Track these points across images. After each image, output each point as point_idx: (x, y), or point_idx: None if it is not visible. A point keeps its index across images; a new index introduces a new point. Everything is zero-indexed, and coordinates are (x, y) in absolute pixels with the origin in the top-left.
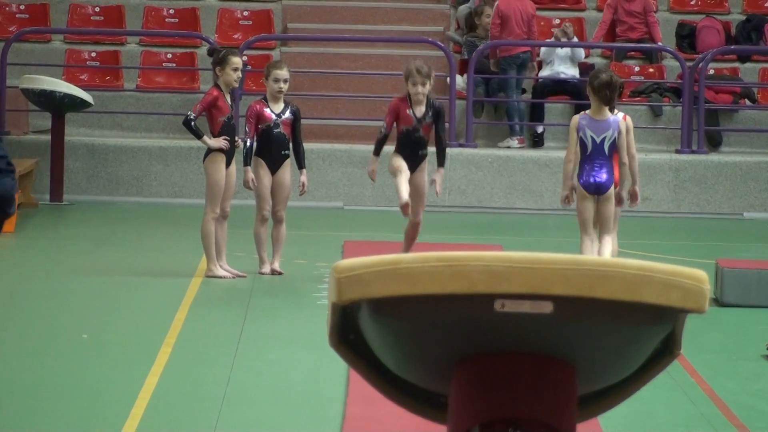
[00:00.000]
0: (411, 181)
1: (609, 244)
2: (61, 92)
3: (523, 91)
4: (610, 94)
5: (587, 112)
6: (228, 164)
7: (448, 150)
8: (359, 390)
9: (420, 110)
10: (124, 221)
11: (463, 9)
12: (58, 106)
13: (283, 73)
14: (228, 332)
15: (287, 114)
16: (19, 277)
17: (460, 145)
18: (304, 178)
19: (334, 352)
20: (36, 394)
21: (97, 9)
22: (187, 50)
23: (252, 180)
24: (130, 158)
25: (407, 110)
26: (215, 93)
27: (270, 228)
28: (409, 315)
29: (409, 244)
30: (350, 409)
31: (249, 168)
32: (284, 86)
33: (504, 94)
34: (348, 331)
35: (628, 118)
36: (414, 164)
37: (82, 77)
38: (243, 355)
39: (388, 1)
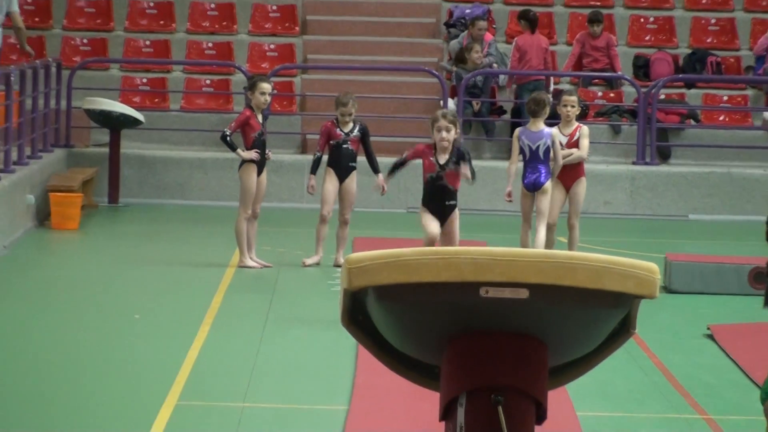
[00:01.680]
0: (442, 231)
1: (543, 230)
2: (117, 112)
3: (504, 111)
4: (535, 108)
5: (527, 126)
6: (259, 173)
7: None
8: (366, 363)
9: (443, 158)
10: (169, 220)
11: (454, 44)
12: (115, 124)
13: (348, 109)
14: (257, 313)
15: (356, 132)
16: (82, 267)
17: None
18: (380, 180)
19: (346, 330)
20: (95, 366)
21: (147, 42)
22: (223, 77)
23: (312, 186)
24: (175, 167)
25: (431, 157)
26: (248, 113)
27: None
28: (408, 299)
29: None
30: (359, 378)
31: (313, 176)
32: (349, 118)
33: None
34: (357, 313)
35: (585, 129)
36: (443, 216)
37: (135, 99)
38: (269, 333)
39: (392, 36)
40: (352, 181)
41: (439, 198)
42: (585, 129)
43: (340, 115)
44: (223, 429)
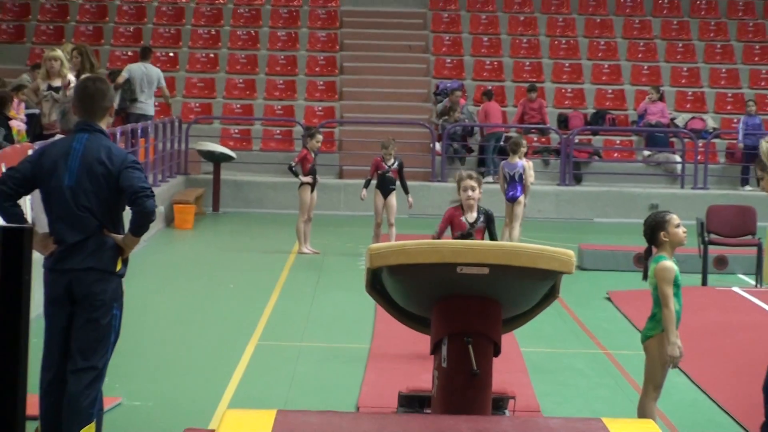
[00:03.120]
0: None
1: (518, 227)
2: (218, 151)
3: (472, 150)
4: (514, 147)
5: (507, 159)
6: (312, 190)
7: (437, 184)
8: (382, 316)
9: (472, 216)
10: (252, 222)
11: (440, 106)
12: (216, 159)
13: (389, 150)
14: (309, 283)
15: (395, 165)
16: (195, 253)
17: (439, 181)
18: (411, 199)
19: (368, 295)
20: (203, 318)
21: (238, 106)
22: (287, 129)
23: (363, 195)
24: (256, 188)
25: (460, 217)
26: (305, 152)
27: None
28: (409, 274)
29: None
30: (377, 327)
31: (364, 190)
32: (389, 156)
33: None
34: (376, 284)
35: (530, 162)
36: None
37: (230, 143)
38: (318, 295)
39: (398, 101)
40: (393, 197)
41: None
42: (530, 162)
43: (384, 154)
44: (288, 361)
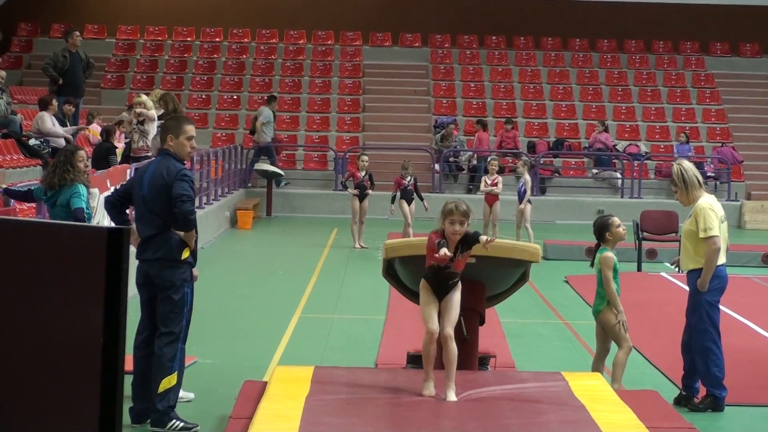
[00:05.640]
0: (443, 301)
1: (529, 227)
2: (270, 170)
3: (463, 169)
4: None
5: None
6: (361, 201)
7: (436, 195)
8: (395, 295)
9: (452, 248)
10: (297, 224)
11: (438, 136)
12: (270, 176)
13: (408, 171)
14: (340, 268)
15: (411, 180)
16: (253, 246)
17: (438, 192)
18: (426, 204)
19: (384, 279)
20: (259, 296)
21: (285, 136)
22: (323, 153)
23: (391, 210)
24: (299, 197)
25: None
26: (352, 169)
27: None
28: (414, 263)
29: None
30: (391, 302)
31: (393, 205)
32: (407, 174)
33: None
34: (389, 270)
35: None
36: (444, 292)
37: (279, 164)
38: (346, 279)
39: (407, 132)
40: (412, 204)
41: (443, 281)
42: (500, 178)
43: (403, 173)
44: (323, 328)
